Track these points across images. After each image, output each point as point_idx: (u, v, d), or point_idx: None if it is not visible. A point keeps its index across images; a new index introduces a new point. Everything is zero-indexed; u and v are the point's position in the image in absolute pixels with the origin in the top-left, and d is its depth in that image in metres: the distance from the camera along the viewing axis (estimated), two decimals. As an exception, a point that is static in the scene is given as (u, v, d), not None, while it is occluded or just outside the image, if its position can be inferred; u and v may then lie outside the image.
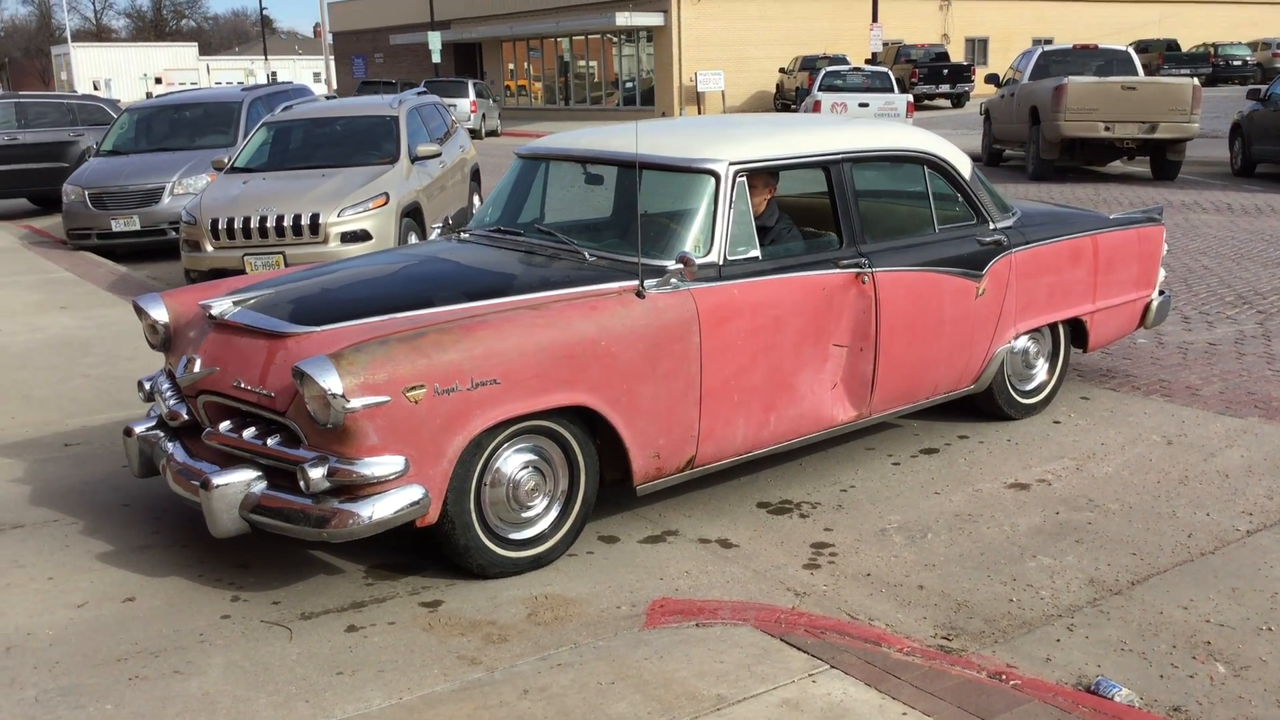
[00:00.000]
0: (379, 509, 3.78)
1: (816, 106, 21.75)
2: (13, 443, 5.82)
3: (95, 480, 5.25)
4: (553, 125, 37.13)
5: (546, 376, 4.07)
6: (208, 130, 13.47)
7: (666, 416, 4.43)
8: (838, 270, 4.95)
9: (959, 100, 37.52)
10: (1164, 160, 16.33)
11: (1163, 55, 38.40)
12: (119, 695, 3.39)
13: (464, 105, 32.14)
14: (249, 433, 4.09)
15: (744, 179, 4.78)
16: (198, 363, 4.30)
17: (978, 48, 46.65)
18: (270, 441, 4.02)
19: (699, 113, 37.95)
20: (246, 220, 9.18)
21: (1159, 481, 5.13)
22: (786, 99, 38.16)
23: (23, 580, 4.20)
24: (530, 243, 5.05)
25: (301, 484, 3.80)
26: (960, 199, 5.60)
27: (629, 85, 43.20)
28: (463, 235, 5.44)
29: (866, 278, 5.01)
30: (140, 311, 4.81)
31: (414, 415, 3.80)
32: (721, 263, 4.64)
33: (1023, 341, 5.90)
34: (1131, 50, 18.80)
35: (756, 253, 4.76)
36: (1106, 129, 15.70)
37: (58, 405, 6.51)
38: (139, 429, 4.58)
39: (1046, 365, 6.11)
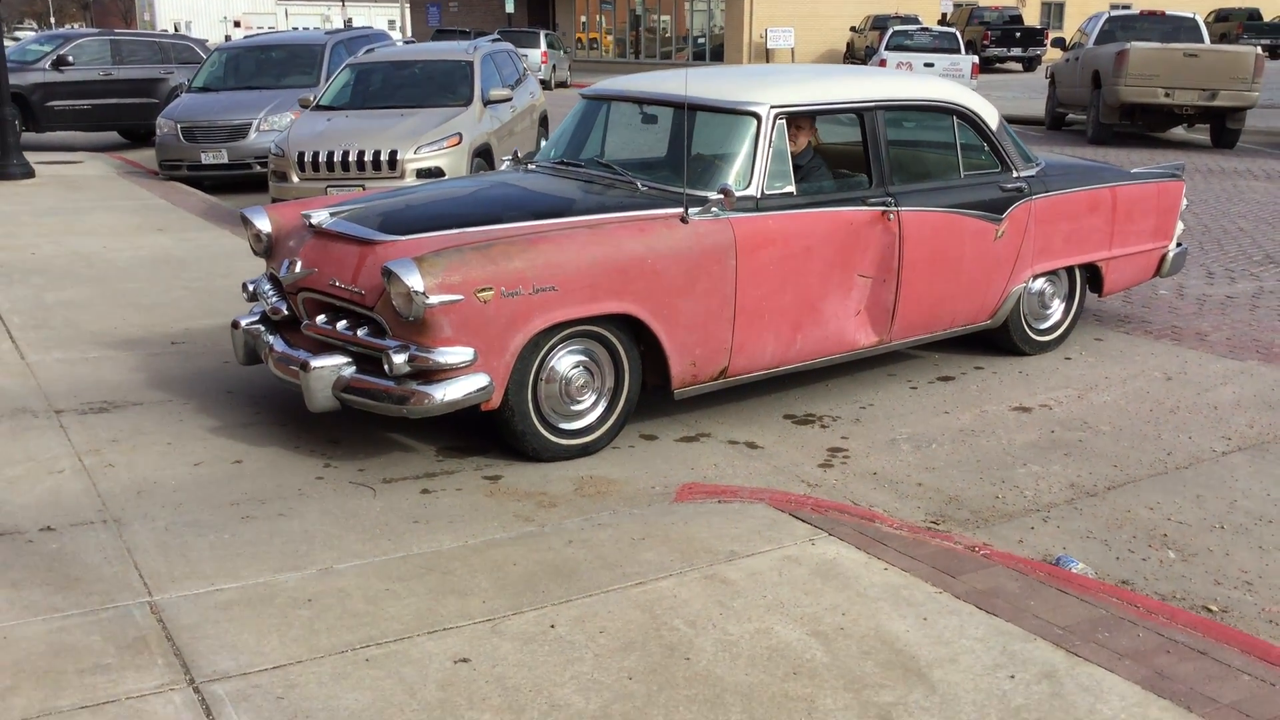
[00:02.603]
0: (450, 391, 4.44)
1: (882, 65, 21.98)
2: (125, 339, 6.57)
3: (201, 372, 5.98)
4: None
5: (598, 286, 4.67)
6: (293, 70, 14.19)
7: (703, 329, 5.01)
8: (865, 208, 5.49)
9: (1030, 64, 37.24)
10: (1223, 128, 16.44)
11: (1242, 25, 37.75)
12: (234, 529, 4.10)
13: (535, 55, 32.66)
14: (341, 325, 4.77)
15: (783, 121, 5.33)
16: (299, 264, 4.98)
17: (1053, 11, 46.07)
18: (360, 332, 4.68)
19: (767, 70, 38.06)
20: (330, 154, 9.89)
21: (1151, 410, 5.64)
22: (856, 57, 38.14)
23: (146, 444, 4.92)
24: (590, 174, 5.66)
25: (386, 367, 4.47)
26: (986, 148, 6.08)
27: (699, 41, 43.38)
28: (529, 167, 6.06)
29: (892, 215, 5.53)
30: (246, 222, 5.48)
31: (483, 313, 4.44)
32: (759, 196, 5.19)
33: (1040, 283, 6.40)
34: (1199, 17, 18.80)
35: (792, 188, 5.30)
36: (1166, 95, 15.85)
37: (163, 311, 7.26)
38: (244, 322, 5.26)
39: (1062, 306, 6.59)
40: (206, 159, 13.06)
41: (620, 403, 4.99)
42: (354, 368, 4.64)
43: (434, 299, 4.33)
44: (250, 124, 13.01)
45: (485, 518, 4.26)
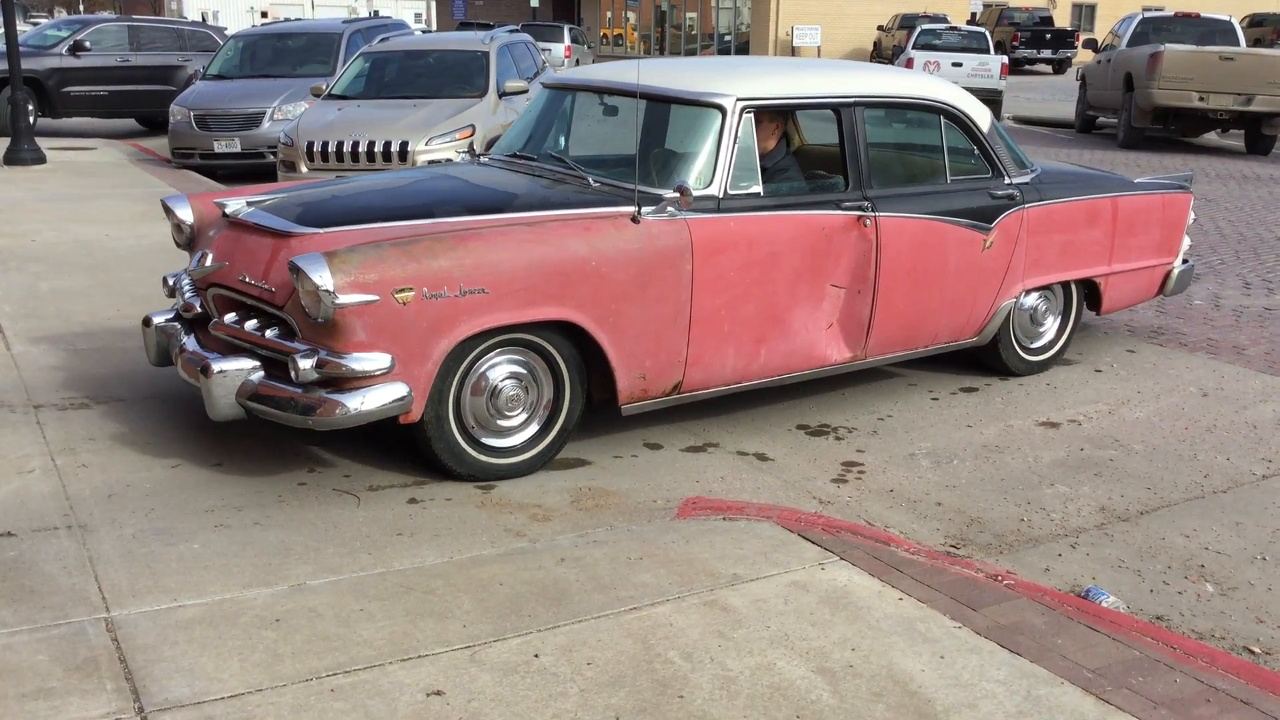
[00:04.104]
0: (363, 402, 4.02)
1: (909, 65, 21.62)
2: (117, 331, 6.34)
3: (192, 367, 5.73)
4: (645, 74, 37.15)
5: (534, 290, 4.25)
6: (309, 59, 13.97)
7: (654, 339, 4.57)
8: (839, 212, 5.04)
9: (1060, 66, 36.72)
10: (1259, 134, 16.04)
11: (1278, 29, 37.09)
12: (205, 538, 3.85)
13: (558, 50, 32.41)
14: (250, 324, 4.36)
15: (750, 115, 4.89)
16: (209, 257, 4.60)
17: (1085, 13, 45.45)
18: (269, 333, 4.28)
19: (793, 68, 37.76)
20: (340, 144, 9.66)
21: (1186, 428, 5.33)
22: (884, 57, 37.70)
23: (124, 443, 4.68)
24: (542, 168, 5.20)
25: (292, 373, 4.04)
26: (976, 152, 5.61)
27: (726, 38, 43.05)
28: (482, 159, 5.65)
29: (869, 221, 5.08)
30: (167, 211, 5.09)
31: (401, 316, 4.02)
32: (721, 195, 4.76)
33: (1032, 298, 5.94)
34: (1235, 20, 18.37)
35: (759, 189, 4.86)
36: (1200, 99, 15.45)
37: (158, 303, 7.00)
38: (157, 320, 4.83)
39: (1056, 324, 6.12)
40: (219, 147, 12.86)
41: (560, 419, 4.55)
42: (262, 373, 4.20)
43: (344, 299, 3.92)
44: (264, 112, 12.79)
45: (474, 531, 4.00)
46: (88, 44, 16.32)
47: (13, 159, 12.72)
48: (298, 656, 3.07)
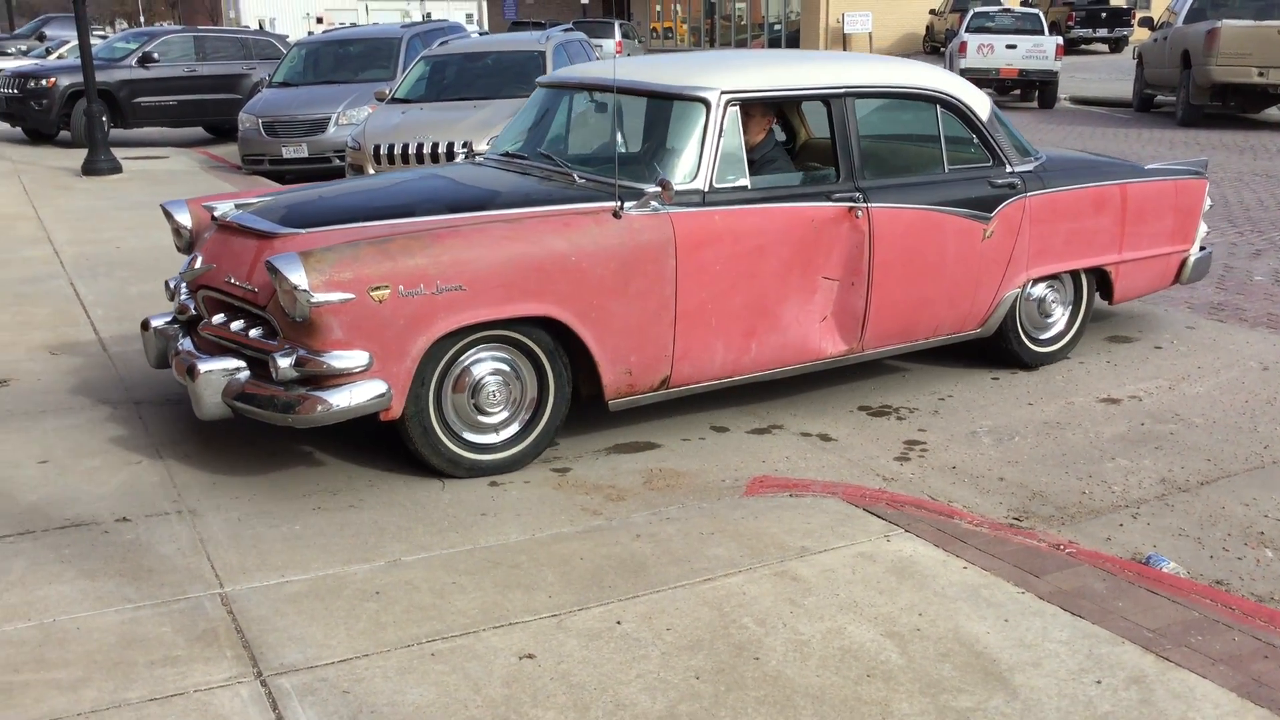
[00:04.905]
0: (342, 399, 4.10)
1: (962, 48, 21.50)
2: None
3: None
4: (697, 66, 37.20)
5: (513, 286, 4.29)
6: (370, 64, 14.31)
7: (639, 334, 4.59)
8: (829, 203, 5.00)
9: (1117, 45, 36.17)
10: (1323, 108, 15.78)
11: (1343, -1, 36.19)
12: (305, 519, 4.10)
13: (609, 45, 32.54)
14: (236, 325, 4.47)
15: (736, 108, 4.89)
16: (199, 259, 4.76)
17: (1142, -10, 44.65)
18: (253, 333, 4.38)
19: (844, 55, 37.56)
20: (405, 146, 9.95)
21: (1247, 401, 5.39)
22: (936, 41, 37.39)
23: (221, 435, 4.95)
24: (531, 165, 5.26)
25: (272, 372, 4.13)
26: (975, 140, 5.55)
27: (776, 27, 42.95)
28: (478, 159, 5.75)
29: (860, 212, 5.04)
30: (167, 215, 5.23)
31: (378, 314, 4.09)
32: (706, 189, 4.75)
33: (1039, 288, 5.85)
34: (1296, -8, 18.04)
35: (745, 182, 4.84)
36: (1260, 75, 15.25)
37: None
38: (156, 322, 4.94)
39: (1066, 314, 6.01)
40: (287, 153, 13.22)
41: (545, 414, 4.59)
42: (248, 373, 4.30)
43: (319, 297, 3.99)
44: (329, 118, 13.13)
45: (552, 511, 4.21)
46: (156, 55, 16.82)
47: (91, 169, 13.19)
48: (398, 625, 3.30)
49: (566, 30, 12.84)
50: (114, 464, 4.58)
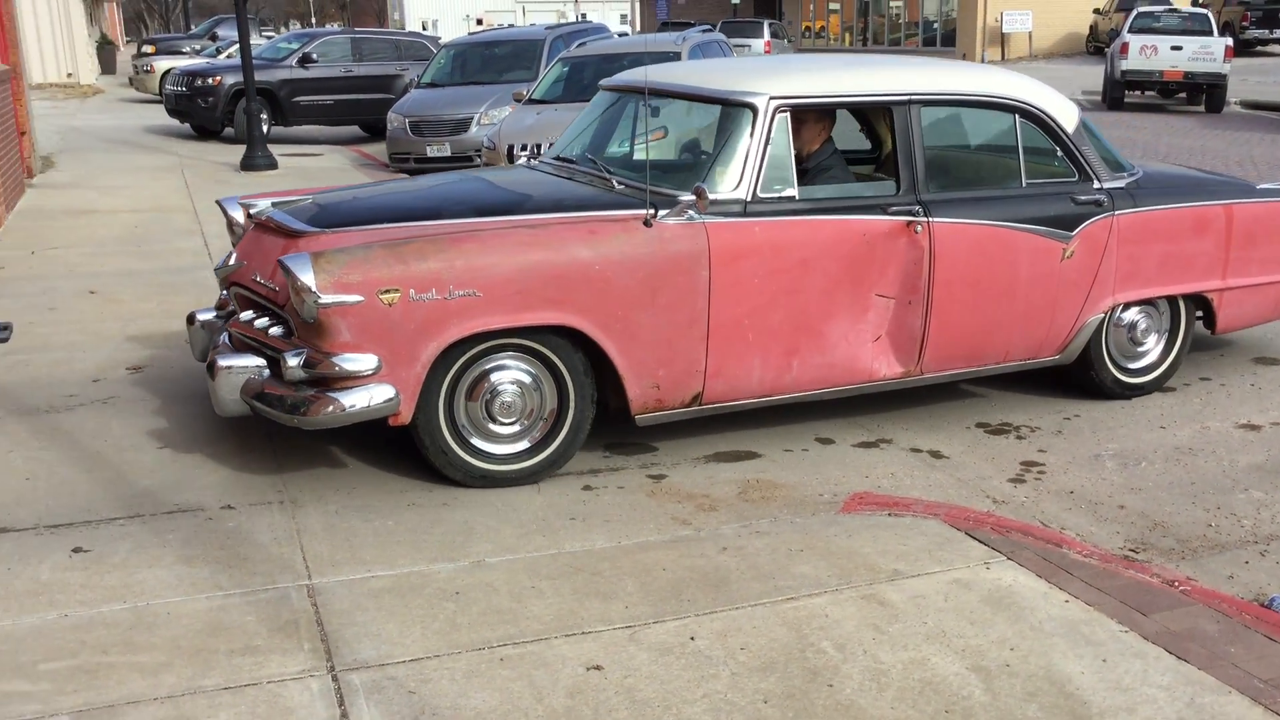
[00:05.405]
0: (349, 402, 4.05)
1: (1124, 49, 20.54)
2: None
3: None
4: (848, 67, 36.63)
5: (531, 294, 4.18)
6: (514, 65, 14.54)
7: (667, 348, 4.43)
8: (885, 217, 4.75)
9: (1299, 46, 34.04)
10: None
11: None
12: (399, 515, 4.16)
13: (758, 45, 32.42)
14: (260, 322, 4.43)
15: (786, 114, 4.68)
16: (234, 256, 4.81)
17: (1330, -13, 41.92)
18: (273, 331, 4.35)
19: (1001, 56, 36.47)
20: (538, 147, 10.04)
21: (1406, 434, 4.97)
22: (1100, 42, 35.85)
23: (330, 429, 5.07)
24: (578, 170, 5.14)
25: (282, 371, 4.13)
26: (1059, 153, 5.19)
27: (932, 25, 41.95)
28: (533, 162, 5.64)
29: (920, 227, 4.77)
30: (222, 210, 5.26)
31: (387, 317, 4.03)
32: (749, 199, 4.57)
33: (1131, 314, 5.44)
34: None
35: (793, 192, 4.65)
36: None
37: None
38: (201, 316, 5.01)
39: (1161, 343, 5.56)
40: (431, 152, 13.54)
41: (565, 426, 4.44)
42: (268, 371, 4.27)
43: (327, 298, 3.96)
44: (472, 118, 13.39)
45: (642, 518, 4.16)
46: (315, 56, 17.46)
47: (248, 165, 13.78)
48: (473, 627, 3.31)
49: (705, 31, 12.80)
50: (228, 452, 4.74)
